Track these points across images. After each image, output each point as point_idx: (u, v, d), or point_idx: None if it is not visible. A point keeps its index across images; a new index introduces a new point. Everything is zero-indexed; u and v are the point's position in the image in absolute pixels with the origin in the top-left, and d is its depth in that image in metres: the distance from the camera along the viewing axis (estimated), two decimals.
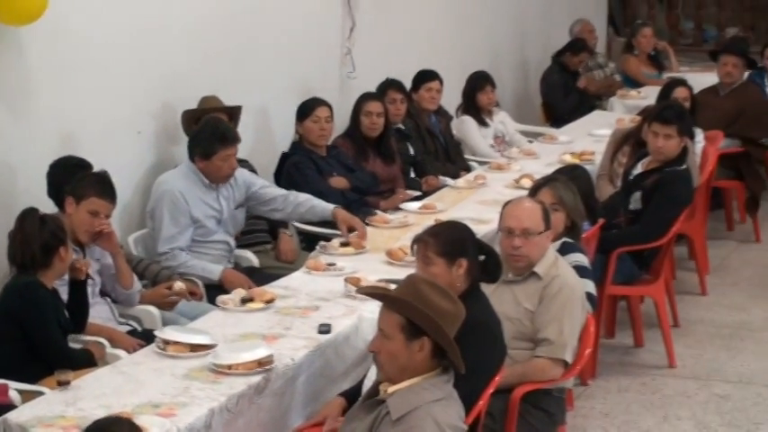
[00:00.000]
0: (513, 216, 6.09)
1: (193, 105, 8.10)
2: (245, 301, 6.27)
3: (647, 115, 8.68)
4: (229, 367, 5.32)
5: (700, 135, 9.66)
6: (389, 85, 9.62)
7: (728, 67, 11.17)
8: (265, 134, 9.19)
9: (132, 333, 6.37)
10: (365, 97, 9.14)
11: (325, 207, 7.67)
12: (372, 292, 5.19)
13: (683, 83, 10.17)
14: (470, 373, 4.81)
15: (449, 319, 4.68)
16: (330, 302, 6.35)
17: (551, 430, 6.03)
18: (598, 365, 7.95)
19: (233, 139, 7.47)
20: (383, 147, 9.12)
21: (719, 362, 8.22)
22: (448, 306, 4.71)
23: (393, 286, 5.23)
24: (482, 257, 5.52)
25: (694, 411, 7.45)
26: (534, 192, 6.87)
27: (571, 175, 7.24)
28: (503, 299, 5.84)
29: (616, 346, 8.45)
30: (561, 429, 6.18)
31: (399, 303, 4.69)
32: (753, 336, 8.71)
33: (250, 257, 7.89)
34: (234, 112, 8.19)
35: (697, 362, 8.22)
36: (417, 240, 5.57)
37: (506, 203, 6.24)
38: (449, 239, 5.46)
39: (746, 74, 11.51)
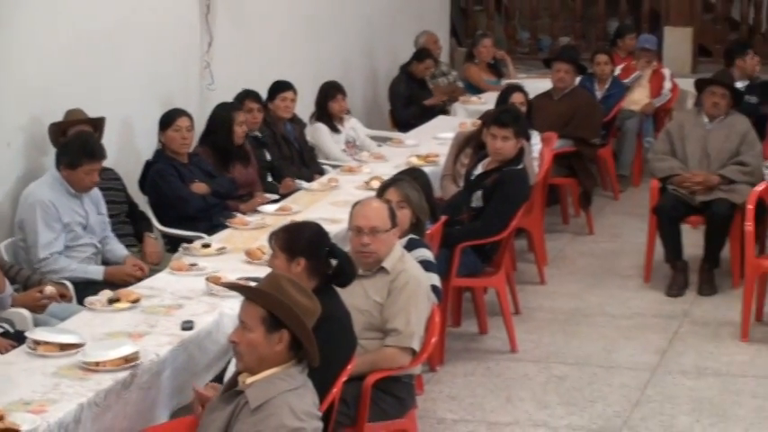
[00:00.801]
0: (361, 215, 6.11)
1: (60, 118, 8.02)
2: (111, 301, 6.22)
3: (487, 119, 8.77)
4: (97, 364, 5.27)
5: (536, 137, 9.79)
6: (247, 95, 9.60)
7: (561, 74, 11.32)
8: (130, 143, 9.13)
9: (4, 335, 6.24)
10: (236, 108, 9.12)
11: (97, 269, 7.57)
12: (238, 287, 5.24)
13: (519, 88, 10.29)
14: (324, 363, 4.84)
15: (307, 314, 4.72)
16: (193, 300, 6.32)
17: (401, 414, 6.06)
18: (446, 352, 8.00)
19: (100, 155, 7.44)
20: (241, 152, 9.10)
21: (557, 345, 8.33)
22: (306, 301, 4.75)
23: (252, 284, 5.24)
24: (334, 261, 5.55)
25: (535, 392, 7.54)
26: (381, 191, 6.91)
27: (413, 177, 7.30)
28: (353, 292, 5.85)
29: (462, 333, 8.51)
30: (411, 413, 6.21)
31: (264, 297, 4.72)
32: (587, 320, 8.84)
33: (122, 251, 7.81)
34: (98, 124, 8.13)
35: (537, 346, 8.32)
36: (271, 234, 5.63)
37: (355, 204, 6.26)
38: (293, 238, 5.49)
39: (578, 79, 11.67)
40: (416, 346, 5.97)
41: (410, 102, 12.59)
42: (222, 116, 9.01)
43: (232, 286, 5.49)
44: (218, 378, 5.62)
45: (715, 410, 7.25)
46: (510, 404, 7.38)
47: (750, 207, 8.57)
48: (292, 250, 5.45)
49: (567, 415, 7.21)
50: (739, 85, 10.85)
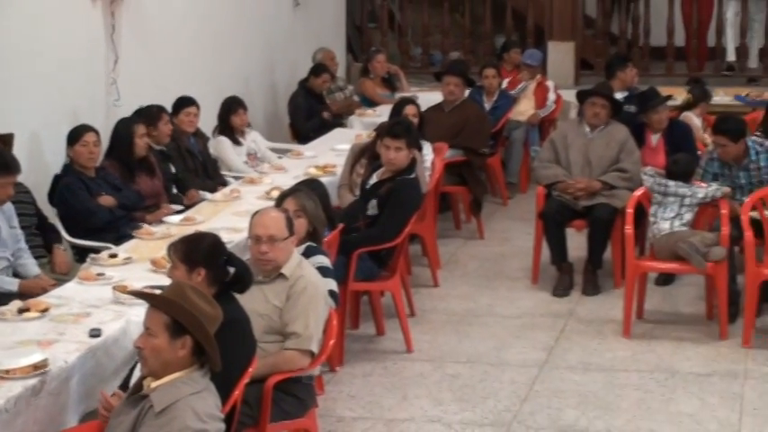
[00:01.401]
0: (259, 224, 6.11)
1: None
2: (21, 311, 6.15)
3: (380, 131, 8.78)
4: (7, 372, 5.20)
5: (427, 147, 9.82)
6: (160, 109, 9.56)
7: (451, 87, 11.36)
8: (39, 158, 9.03)
9: None
10: (136, 122, 9.04)
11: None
12: (143, 294, 5.20)
13: (411, 101, 10.33)
14: (226, 367, 4.83)
15: (210, 320, 4.72)
16: (100, 309, 6.26)
17: (302, 413, 6.05)
18: (345, 353, 8.00)
19: (15, 169, 7.36)
20: (146, 165, 9.04)
21: (451, 345, 8.36)
22: (208, 308, 4.75)
23: (158, 292, 5.22)
24: (232, 269, 5.54)
25: (430, 389, 7.56)
26: (280, 201, 6.92)
27: (310, 187, 7.30)
28: (254, 297, 5.85)
29: (360, 335, 8.51)
30: (312, 412, 6.21)
31: (167, 304, 4.71)
32: (478, 321, 8.88)
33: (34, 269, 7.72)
34: (7, 140, 8.05)
35: (431, 346, 8.34)
36: (170, 246, 5.59)
37: (254, 213, 6.27)
38: (192, 249, 5.47)
39: (467, 92, 11.72)
40: (315, 348, 5.98)
41: (309, 115, 12.57)
42: (123, 131, 8.95)
43: (137, 294, 5.47)
44: (125, 385, 5.56)
45: (599, 404, 7.31)
46: (406, 402, 7.40)
47: (630, 211, 8.68)
48: (192, 261, 5.44)
49: (461, 411, 7.23)
50: (619, 95, 10.96)
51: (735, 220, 8.43)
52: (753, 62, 15.03)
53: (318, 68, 12.75)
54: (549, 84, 13.33)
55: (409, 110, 10.03)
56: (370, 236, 8.09)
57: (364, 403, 7.37)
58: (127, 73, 10.12)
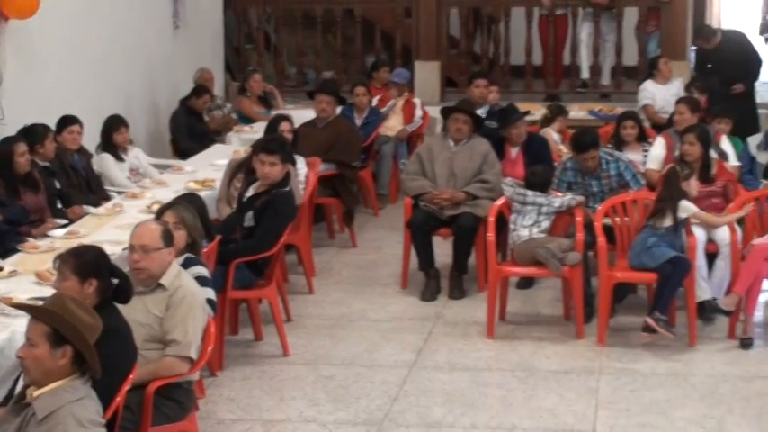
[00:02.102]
0: (135, 235, 6.11)
1: None
2: None
3: (256, 147, 8.73)
4: None
5: (301, 161, 9.79)
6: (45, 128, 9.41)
7: (323, 105, 11.36)
8: None
9: None
10: (16, 140, 8.88)
11: None
12: (24, 306, 5.17)
13: (286, 118, 10.29)
14: (106, 374, 4.77)
15: (89, 330, 4.67)
16: None
17: (183, 417, 6.01)
18: (225, 358, 7.94)
19: None
20: (31, 181, 8.88)
21: (325, 348, 8.34)
22: (88, 318, 4.70)
23: (40, 303, 5.15)
24: (115, 281, 5.48)
25: (306, 391, 7.55)
26: (159, 214, 6.86)
27: (188, 200, 7.25)
28: (134, 307, 5.79)
29: (240, 341, 8.45)
30: (192, 415, 6.18)
31: (48, 315, 4.66)
32: (351, 325, 8.88)
33: None
34: None
35: (307, 350, 8.31)
36: (57, 258, 5.51)
37: (136, 225, 6.22)
38: (83, 261, 5.40)
39: (339, 109, 11.73)
40: (194, 354, 5.94)
41: (189, 132, 12.48)
42: (2, 149, 8.77)
43: (18, 306, 5.38)
44: (11, 394, 5.44)
45: (465, 401, 7.36)
46: (283, 403, 7.38)
47: (491, 219, 8.75)
48: (84, 272, 5.37)
49: (335, 411, 7.23)
50: (480, 111, 11.06)
51: (588, 227, 8.55)
52: (605, 79, 15.25)
53: (200, 90, 12.66)
54: (416, 101, 13.38)
55: (283, 126, 10.00)
56: (247, 246, 8.04)
57: (243, 405, 7.33)
58: (11, 93, 9.96)
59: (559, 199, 8.74)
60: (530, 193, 8.74)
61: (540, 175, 8.93)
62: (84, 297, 5.20)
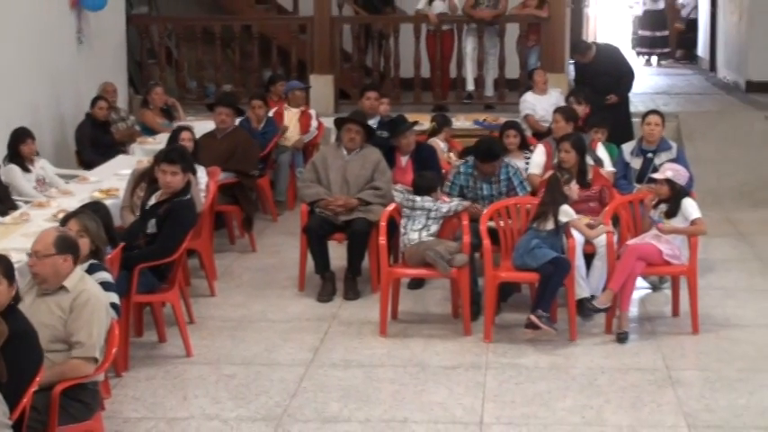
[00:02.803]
0: (34, 241, 6.05)
1: None
2: None
3: (158, 157, 8.64)
4: None
5: (201, 170, 9.73)
6: None
7: (222, 116, 11.31)
8: None
9: None
10: None
11: None
12: None
13: (186, 128, 10.24)
14: (13, 377, 4.70)
15: None
16: None
17: (89, 417, 5.94)
18: (130, 359, 7.84)
19: None
20: None
21: (227, 349, 8.28)
22: None
23: None
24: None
25: (208, 390, 7.49)
26: (64, 223, 6.78)
27: (93, 209, 7.16)
28: (40, 309, 5.76)
29: (144, 342, 8.35)
30: (98, 415, 6.12)
31: None
32: (252, 326, 8.83)
33: None
34: None
35: (209, 350, 8.24)
36: None
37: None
38: (9, 264, 5.42)
39: (237, 120, 11.68)
40: (99, 355, 5.87)
41: (94, 144, 12.33)
42: None
43: None
44: None
45: (360, 396, 7.36)
46: (186, 401, 7.31)
47: (383, 224, 8.76)
48: (10, 276, 5.34)
49: (236, 408, 7.18)
50: (371, 122, 11.08)
51: (474, 230, 8.60)
52: (489, 91, 15.36)
53: (95, 99, 12.55)
54: (312, 112, 13.35)
55: (184, 135, 9.96)
56: (150, 252, 7.96)
57: (148, 404, 7.24)
58: None
59: (447, 204, 8.78)
60: (418, 198, 8.77)
61: (426, 179, 8.97)
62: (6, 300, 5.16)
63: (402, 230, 8.77)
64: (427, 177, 8.99)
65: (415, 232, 8.69)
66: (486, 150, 9.27)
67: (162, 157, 8.37)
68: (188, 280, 9.49)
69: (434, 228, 8.72)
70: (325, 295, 9.43)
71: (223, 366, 7.93)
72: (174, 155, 8.33)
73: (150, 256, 7.92)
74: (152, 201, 8.38)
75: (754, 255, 10.87)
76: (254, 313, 9.16)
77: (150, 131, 13.06)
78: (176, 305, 8.18)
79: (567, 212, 8.43)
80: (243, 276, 10.27)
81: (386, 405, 7.23)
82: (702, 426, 6.86)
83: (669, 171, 8.69)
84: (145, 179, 9.09)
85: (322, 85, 14.89)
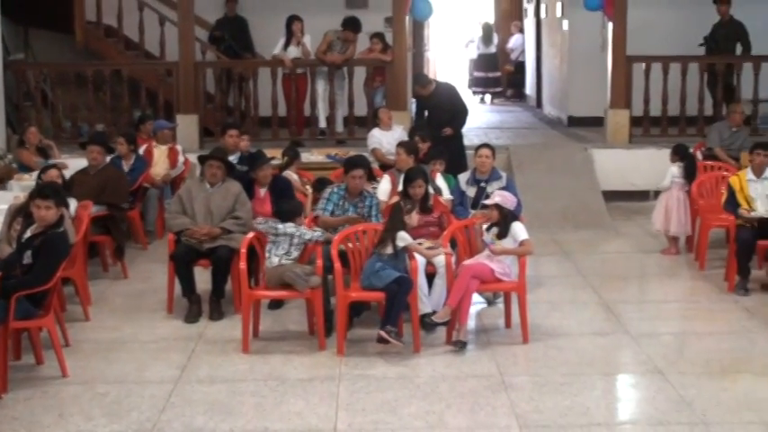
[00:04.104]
0: None
1: None
2: None
3: (32, 193, 8.45)
4: None
5: (74, 204, 9.57)
6: None
7: (94, 154, 11.13)
8: None
9: None
10: None
11: None
12: None
13: (54, 166, 10.16)
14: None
15: None
16: None
17: None
18: (9, 382, 7.63)
19: None
20: None
21: (100, 369, 8.12)
22: None
23: None
24: None
25: (83, 408, 7.33)
26: None
27: None
28: None
29: (22, 365, 8.12)
30: None
31: None
32: (124, 347, 8.68)
33: None
34: None
35: (84, 371, 8.06)
36: None
37: None
38: None
39: (108, 158, 11.50)
40: None
41: None
42: None
43: None
44: None
45: (224, 409, 7.29)
46: (62, 419, 7.14)
47: (243, 251, 8.72)
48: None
49: (109, 423, 7.05)
50: (232, 157, 11.03)
51: (327, 253, 8.61)
52: (340, 127, 15.40)
53: None
54: (179, 148, 13.23)
55: (51, 173, 9.97)
56: (26, 281, 7.76)
57: (26, 423, 7.06)
58: None
59: (310, 233, 8.77)
60: (281, 225, 8.74)
61: (289, 205, 8.99)
62: None
63: (267, 254, 8.73)
64: (290, 204, 9.02)
65: (277, 257, 8.67)
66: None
67: (36, 193, 8.20)
68: (64, 306, 9.31)
69: (296, 254, 8.70)
70: (192, 317, 9.32)
71: (97, 385, 7.77)
72: (47, 190, 8.17)
73: (27, 284, 7.72)
74: (28, 233, 8.19)
75: (577, 271, 11.11)
76: (126, 335, 9.01)
77: (27, 169, 12.76)
78: (52, 330, 7.99)
79: (403, 238, 8.51)
80: (115, 301, 10.10)
81: (248, 416, 7.17)
82: (533, 425, 6.97)
83: (498, 197, 8.85)
84: (21, 214, 8.89)
85: (187, 124, 14.76)
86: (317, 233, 8.80)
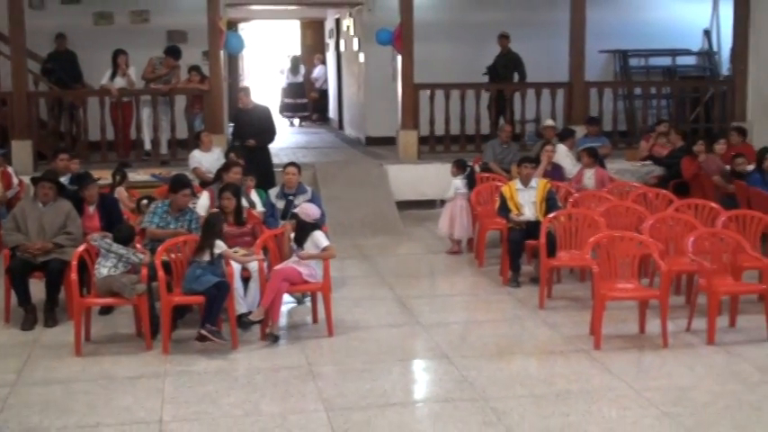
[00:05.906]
0: None
1: None
2: None
3: None
4: None
5: None
6: None
7: None
8: None
9: None
10: None
11: None
12: None
13: None
14: None
15: None
16: None
17: None
18: None
19: None
20: None
21: None
22: None
23: None
24: None
25: None
26: None
27: None
28: None
29: None
30: None
31: None
32: None
33: None
34: None
35: None
36: None
37: None
38: None
39: None
40: None
41: None
42: None
43: None
44: None
45: (58, 408, 7.01)
46: None
47: (74, 263, 8.43)
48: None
49: None
50: (63, 179, 10.65)
51: (151, 264, 8.42)
52: (163, 149, 15.10)
53: None
54: (10, 170, 12.68)
55: None
56: None
57: None
58: None
59: (137, 257, 8.49)
60: (115, 245, 8.49)
61: (124, 231, 8.71)
62: None
63: (96, 266, 8.46)
64: (124, 230, 8.73)
65: (105, 268, 8.42)
66: (172, 182, 9.36)
67: None
68: None
69: (122, 269, 8.46)
70: (28, 324, 8.96)
71: None
72: None
73: None
74: None
75: (375, 272, 11.21)
76: None
77: None
78: None
79: (219, 246, 8.42)
80: None
81: (81, 414, 6.93)
82: (338, 408, 6.98)
83: (298, 209, 8.91)
84: None
85: (22, 149, 14.20)
86: (143, 257, 8.54)
